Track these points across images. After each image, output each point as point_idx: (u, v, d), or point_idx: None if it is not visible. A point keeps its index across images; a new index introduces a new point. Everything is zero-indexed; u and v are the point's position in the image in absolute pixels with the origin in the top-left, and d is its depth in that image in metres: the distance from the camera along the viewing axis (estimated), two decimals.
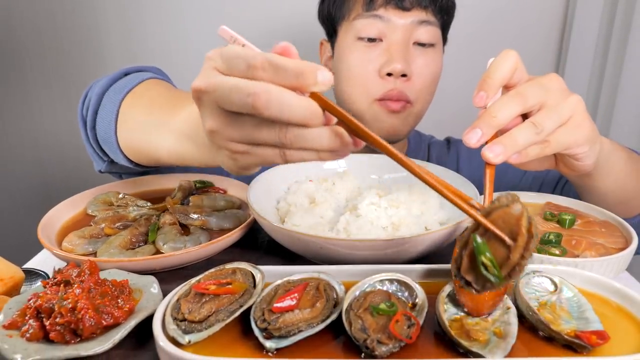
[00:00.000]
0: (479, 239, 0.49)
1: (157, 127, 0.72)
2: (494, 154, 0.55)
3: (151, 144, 0.73)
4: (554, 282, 0.58)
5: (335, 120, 0.49)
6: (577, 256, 0.70)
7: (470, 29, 1.65)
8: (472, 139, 0.55)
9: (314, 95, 0.46)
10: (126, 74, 0.85)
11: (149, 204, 0.86)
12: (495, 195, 0.53)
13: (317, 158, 0.50)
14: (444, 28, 1.07)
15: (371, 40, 1.00)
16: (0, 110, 1.79)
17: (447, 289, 0.56)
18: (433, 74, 1.03)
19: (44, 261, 0.78)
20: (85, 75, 1.74)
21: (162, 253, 0.71)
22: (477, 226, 0.51)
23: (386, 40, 0.99)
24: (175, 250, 0.70)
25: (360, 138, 0.49)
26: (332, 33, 1.10)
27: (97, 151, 0.85)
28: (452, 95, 1.72)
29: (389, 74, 0.98)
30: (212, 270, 0.58)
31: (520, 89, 0.59)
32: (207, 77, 0.49)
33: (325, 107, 0.47)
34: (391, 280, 0.58)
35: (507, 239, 0.48)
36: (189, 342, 0.48)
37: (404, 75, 0.98)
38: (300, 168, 0.90)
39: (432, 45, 1.02)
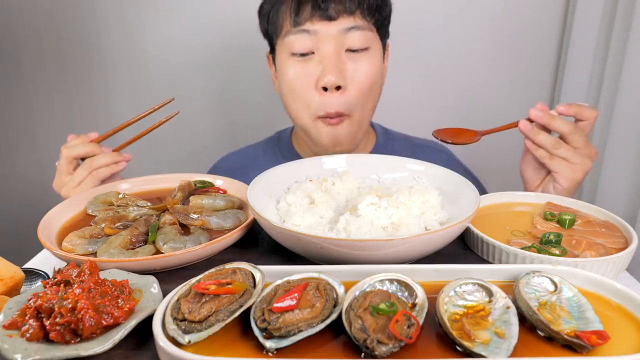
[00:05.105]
0: None
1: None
2: (524, 124, 0.90)
3: None
4: (554, 282, 0.58)
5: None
6: (577, 256, 0.70)
7: (471, 30, 1.65)
8: (535, 114, 0.89)
9: (97, 138, 0.98)
10: None
11: (149, 204, 0.86)
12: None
13: (111, 171, 0.95)
14: (380, 27, 1.04)
15: (303, 55, 1.00)
16: None
17: (448, 289, 0.56)
18: (370, 78, 1.01)
19: (44, 261, 0.78)
20: (86, 75, 1.74)
21: (162, 253, 0.71)
22: None
23: (318, 52, 0.99)
24: (175, 250, 0.70)
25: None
26: (272, 48, 1.10)
27: None
28: (453, 93, 1.72)
29: (325, 89, 0.98)
30: (212, 270, 0.58)
31: (578, 129, 0.87)
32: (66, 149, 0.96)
33: (107, 136, 1.00)
34: (391, 280, 0.58)
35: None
36: (189, 342, 0.48)
37: (339, 88, 0.98)
38: (300, 168, 0.91)
39: (365, 49, 1.00)
